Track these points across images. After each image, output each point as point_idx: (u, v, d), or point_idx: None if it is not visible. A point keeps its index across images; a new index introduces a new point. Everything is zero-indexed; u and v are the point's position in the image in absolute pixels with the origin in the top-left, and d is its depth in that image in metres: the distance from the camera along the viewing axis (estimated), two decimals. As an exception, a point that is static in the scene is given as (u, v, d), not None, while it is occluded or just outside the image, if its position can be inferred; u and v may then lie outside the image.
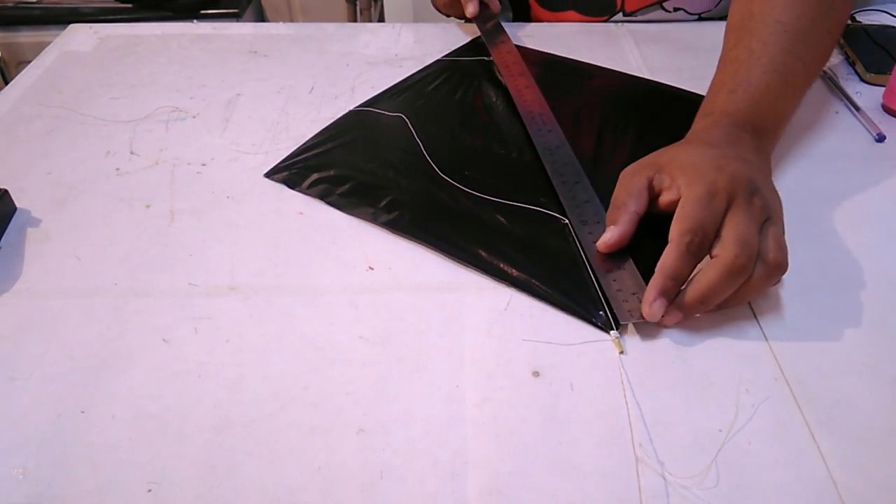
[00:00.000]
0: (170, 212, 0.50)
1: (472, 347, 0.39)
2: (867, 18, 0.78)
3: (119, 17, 0.78)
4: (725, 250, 0.38)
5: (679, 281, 0.40)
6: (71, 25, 0.77)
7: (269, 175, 0.53)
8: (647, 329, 0.40)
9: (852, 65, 0.68)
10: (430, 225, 0.47)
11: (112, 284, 0.44)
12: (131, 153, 0.56)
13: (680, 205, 0.41)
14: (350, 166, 0.53)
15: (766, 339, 0.40)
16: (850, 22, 0.76)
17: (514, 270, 0.44)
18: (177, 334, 0.40)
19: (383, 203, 0.49)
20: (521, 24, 0.76)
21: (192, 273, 0.44)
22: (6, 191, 0.49)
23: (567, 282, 0.43)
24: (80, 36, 0.74)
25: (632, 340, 0.40)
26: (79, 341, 0.40)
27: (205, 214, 0.49)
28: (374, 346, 0.40)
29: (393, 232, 0.47)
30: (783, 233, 0.41)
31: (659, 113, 0.60)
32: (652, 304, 0.39)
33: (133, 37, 0.75)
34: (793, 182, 0.52)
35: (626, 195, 0.44)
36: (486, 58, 0.68)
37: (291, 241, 0.47)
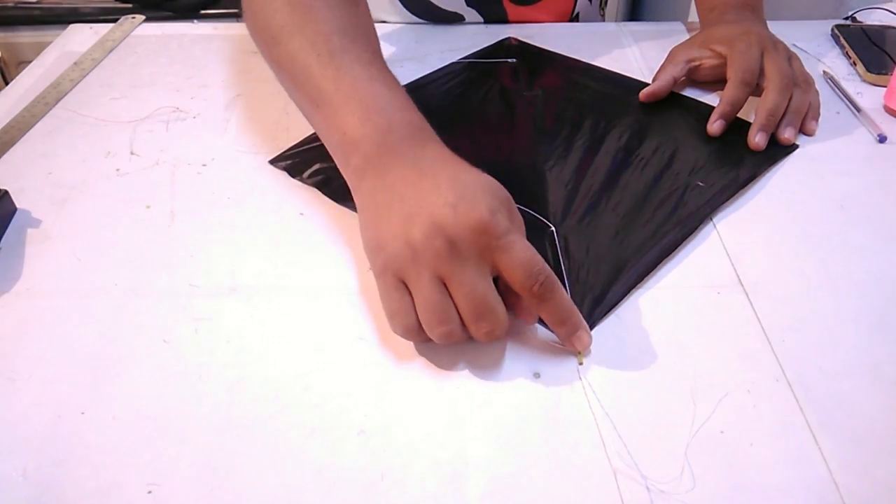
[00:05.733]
0: (170, 212, 0.50)
1: (472, 348, 0.39)
2: (867, 18, 0.78)
3: (119, 17, 0.77)
4: (771, 79, 0.56)
5: (735, 106, 0.56)
6: (71, 25, 0.77)
7: (273, 162, 0.54)
8: (649, 327, 0.40)
9: (853, 65, 0.68)
10: None
11: (112, 285, 0.44)
12: (132, 153, 0.56)
13: (729, 59, 0.58)
14: None
15: (768, 340, 0.40)
16: (850, 22, 0.76)
17: None
18: (177, 335, 0.40)
19: None
20: (518, 24, 0.76)
21: (193, 274, 0.44)
22: (6, 191, 0.49)
23: None
24: (80, 36, 0.74)
25: (632, 339, 0.40)
26: (79, 342, 0.40)
27: (205, 215, 0.49)
28: (375, 346, 0.40)
29: None
30: (803, 65, 0.60)
31: (660, 117, 0.60)
32: (713, 124, 0.56)
33: (133, 37, 0.74)
34: (794, 182, 0.52)
35: (668, 63, 0.63)
36: (508, 59, 0.68)
37: (292, 241, 0.47)
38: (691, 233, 0.47)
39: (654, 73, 0.64)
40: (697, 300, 0.42)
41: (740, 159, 0.54)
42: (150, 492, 0.33)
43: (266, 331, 0.41)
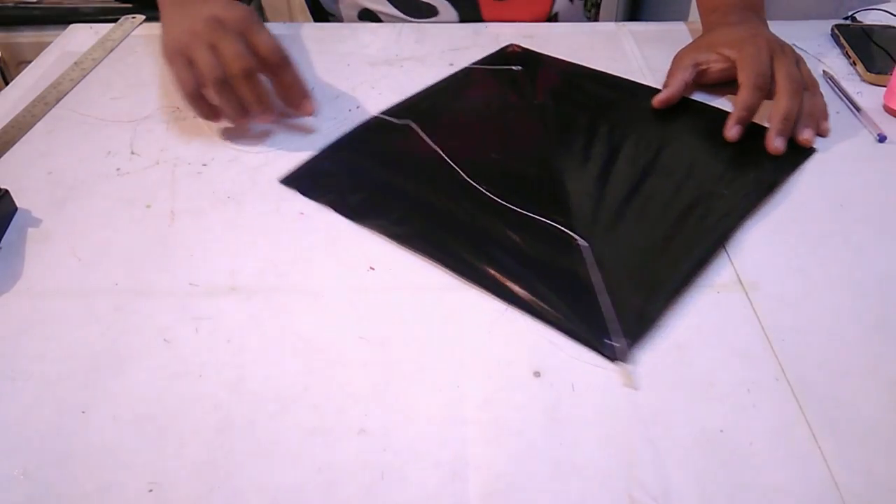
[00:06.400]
0: (170, 212, 0.50)
1: (472, 348, 0.39)
2: (867, 18, 0.78)
3: (119, 17, 0.77)
4: (782, 84, 0.56)
5: (751, 111, 0.56)
6: (71, 25, 0.77)
7: (284, 181, 0.52)
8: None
9: (853, 65, 0.68)
10: (441, 240, 0.46)
11: (112, 284, 0.44)
12: (132, 153, 0.56)
13: (739, 63, 0.58)
14: (364, 175, 0.52)
15: (768, 340, 0.40)
16: (850, 22, 0.76)
17: (523, 291, 0.42)
18: (177, 334, 0.40)
19: (395, 215, 0.48)
20: (518, 24, 0.76)
21: (193, 273, 0.44)
22: (7, 191, 0.49)
23: (577, 306, 0.41)
24: (80, 36, 0.74)
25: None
26: (79, 341, 0.40)
27: (205, 214, 0.49)
28: (375, 346, 0.40)
29: (402, 245, 0.46)
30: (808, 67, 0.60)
31: (683, 126, 0.59)
32: (731, 129, 0.55)
33: (133, 37, 0.74)
34: (794, 182, 0.52)
35: (677, 69, 0.62)
36: (514, 67, 0.67)
37: (292, 241, 0.47)
38: (722, 243, 0.46)
39: (662, 76, 0.63)
40: (697, 300, 0.42)
41: (760, 166, 0.53)
42: (150, 490, 0.33)
43: (266, 331, 0.41)
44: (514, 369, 0.38)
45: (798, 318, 0.41)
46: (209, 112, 0.54)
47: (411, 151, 0.55)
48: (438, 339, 0.40)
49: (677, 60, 0.63)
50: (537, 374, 0.38)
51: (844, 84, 0.65)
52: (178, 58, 0.53)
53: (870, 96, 0.63)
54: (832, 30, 0.74)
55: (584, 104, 0.61)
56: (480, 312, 0.42)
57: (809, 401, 0.36)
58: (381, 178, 0.52)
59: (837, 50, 0.72)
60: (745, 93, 0.56)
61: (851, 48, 0.69)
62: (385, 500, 0.32)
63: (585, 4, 0.85)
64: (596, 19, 0.89)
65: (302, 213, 0.49)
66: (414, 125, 0.57)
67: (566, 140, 0.56)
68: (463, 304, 0.42)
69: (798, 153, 0.55)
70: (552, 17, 0.80)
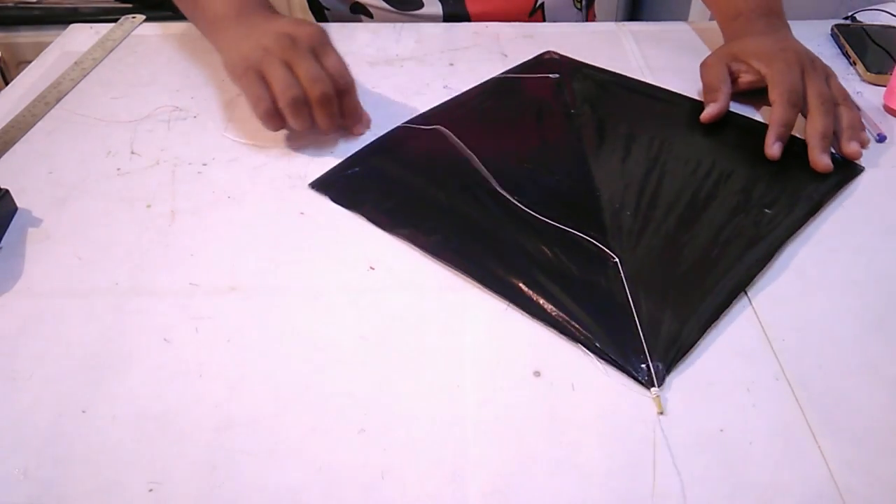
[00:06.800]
0: (171, 211, 0.50)
1: (473, 347, 0.39)
2: (867, 18, 0.78)
3: (119, 17, 0.78)
4: (814, 103, 0.54)
5: (788, 127, 0.54)
6: (71, 25, 0.77)
7: (313, 186, 0.52)
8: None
9: (853, 65, 0.68)
10: (471, 252, 0.45)
11: (113, 284, 0.44)
12: (132, 153, 0.56)
13: (770, 78, 0.56)
14: (395, 183, 0.51)
15: (767, 339, 0.40)
16: (850, 22, 0.76)
17: (553, 309, 0.41)
18: (178, 334, 0.40)
19: (426, 225, 0.47)
20: (518, 23, 0.76)
21: (193, 273, 0.44)
22: (7, 191, 0.49)
23: (610, 327, 0.40)
24: (80, 36, 0.74)
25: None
26: (79, 341, 0.40)
27: (206, 214, 0.49)
28: (376, 345, 0.40)
29: (432, 257, 0.45)
30: (838, 79, 0.58)
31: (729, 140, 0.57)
32: (772, 147, 0.53)
33: (133, 36, 0.75)
34: (794, 182, 0.52)
35: (717, 80, 0.59)
36: (551, 75, 0.65)
37: (292, 240, 0.47)
38: (766, 265, 0.44)
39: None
40: (697, 300, 0.42)
41: (802, 183, 0.51)
42: (150, 490, 0.33)
43: (266, 330, 0.41)
44: (514, 369, 0.38)
45: (798, 318, 0.41)
46: (278, 125, 0.54)
47: (442, 159, 0.54)
48: (438, 338, 0.40)
49: (710, 70, 0.61)
50: (537, 373, 0.38)
51: (844, 84, 0.65)
52: (251, 74, 0.52)
53: (870, 96, 0.63)
54: (832, 30, 0.74)
55: (620, 114, 0.59)
56: (480, 312, 0.42)
57: (809, 400, 0.36)
58: (411, 186, 0.51)
59: (837, 50, 0.72)
60: (779, 110, 0.54)
61: (851, 48, 0.69)
62: (385, 499, 0.32)
63: None
64: (588, 13, 0.89)
65: (302, 213, 0.49)
66: (445, 130, 0.56)
67: (601, 152, 0.55)
68: (463, 303, 0.42)
69: (842, 171, 0.53)
70: (537, 9, 0.80)
